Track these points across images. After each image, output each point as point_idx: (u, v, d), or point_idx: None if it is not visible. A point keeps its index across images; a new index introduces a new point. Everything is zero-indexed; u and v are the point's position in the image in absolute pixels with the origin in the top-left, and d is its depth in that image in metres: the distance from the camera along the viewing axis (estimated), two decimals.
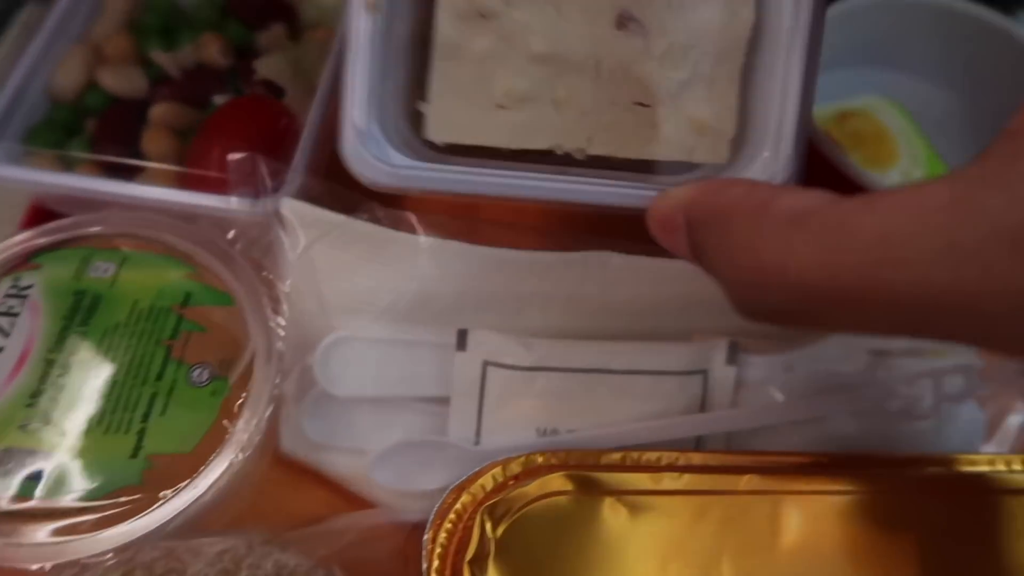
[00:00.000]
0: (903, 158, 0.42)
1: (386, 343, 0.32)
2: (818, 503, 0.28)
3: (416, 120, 0.25)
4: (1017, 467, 0.30)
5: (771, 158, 0.23)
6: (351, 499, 0.34)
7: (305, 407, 0.33)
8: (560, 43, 0.24)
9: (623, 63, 0.24)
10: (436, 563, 0.26)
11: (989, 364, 0.33)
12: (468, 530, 0.27)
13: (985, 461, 0.30)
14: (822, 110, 0.43)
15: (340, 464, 0.34)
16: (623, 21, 0.25)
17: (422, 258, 0.31)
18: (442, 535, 0.28)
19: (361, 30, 0.23)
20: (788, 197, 0.17)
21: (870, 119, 0.43)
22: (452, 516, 0.28)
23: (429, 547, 0.27)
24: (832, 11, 0.41)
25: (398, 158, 0.24)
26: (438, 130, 0.24)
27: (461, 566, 0.26)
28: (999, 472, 0.29)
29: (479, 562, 0.26)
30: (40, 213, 0.36)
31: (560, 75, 0.24)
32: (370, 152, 0.24)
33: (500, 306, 0.32)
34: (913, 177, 0.41)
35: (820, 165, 0.36)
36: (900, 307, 0.15)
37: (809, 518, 0.28)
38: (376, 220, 0.32)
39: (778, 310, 0.18)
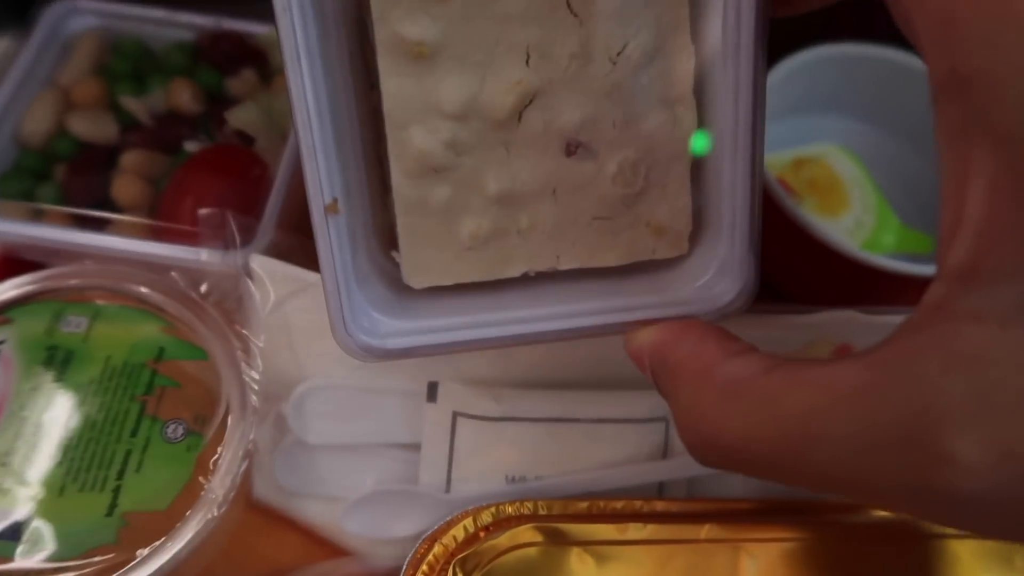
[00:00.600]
0: (855, 205, 0.44)
1: (358, 391, 0.32)
2: (774, 550, 0.29)
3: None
4: None
5: (728, 253, 0.24)
6: (324, 545, 0.34)
7: (278, 456, 0.33)
8: (515, 180, 0.25)
9: (578, 186, 0.25)
10: None
11: None
12: None
13: None
14: (779, 157, 0.45)
15: (313, 511, 0.34)
16: (572, 149, 0.26)
17: None
18: None
19: (328, 232, 0.23)
20: (727, 365, 0.19)
21: (824, 167, 0.45)
22: (424, 567, 0.29)
23: None
24: (789, 63, 0.43)
25: (385, 324, 0.25)
26: (413, 277, 0.25)
27: None
28: None
29: None
30: (10, 263, 0.36)
31: (520, 208, 0.25)
32: (359, 329, 0.24)
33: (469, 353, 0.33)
34: (865, 223, 0.43)
35: (774, 214, 0.38)
36: (820, 477, 0.17)
37: (766, 565, 0.29)
38: None
39: (720, 463, 0.19)
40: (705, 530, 0.30)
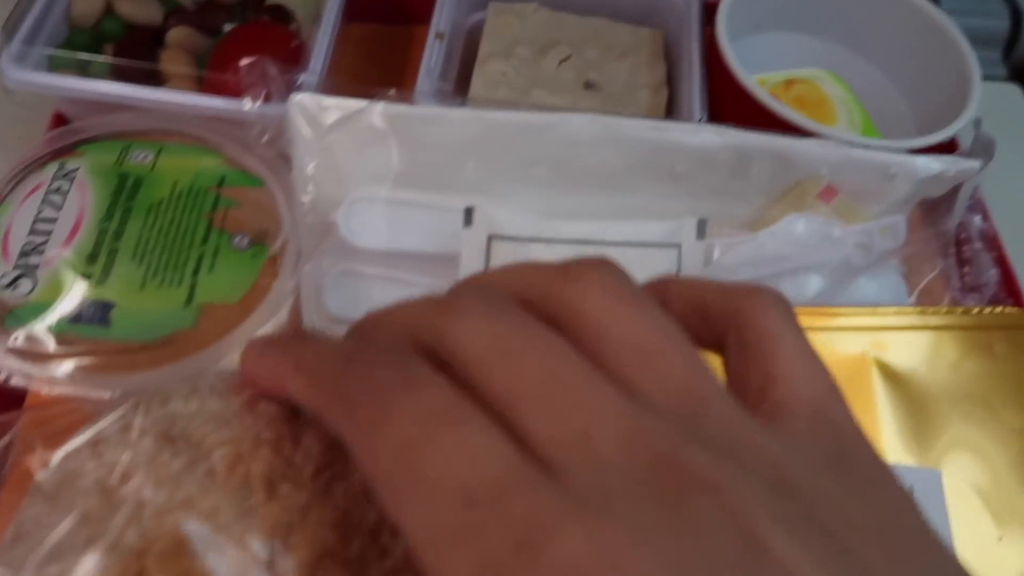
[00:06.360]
0: (841, 121, 0.47)
1: (403, 205, 0.35)
2: None
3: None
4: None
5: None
6: None
7: (326, 284, 0.36)
8: (548, 100, 0.44)
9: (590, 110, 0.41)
10: None
11: (911, 224, 0.39)
12: None
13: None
14: (771, 77, 0.48)
15: None
16: (588, 85, 0.45)
17: (432, 128, 0.35)
18: None
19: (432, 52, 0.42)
20: None
21: (814, 87, 0.48)
22: None
23: None
24: None
25: None
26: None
27: None
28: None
29: None
30: (63, 124, 0.39)
31: None
32: None
33: (502, 170, 0.36)
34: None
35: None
36: None
37: None
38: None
39: None
40: None
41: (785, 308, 0.18)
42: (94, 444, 0.20)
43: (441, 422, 0.15)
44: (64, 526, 0.19)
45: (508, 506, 0.13)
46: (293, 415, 0.20)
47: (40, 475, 0.21)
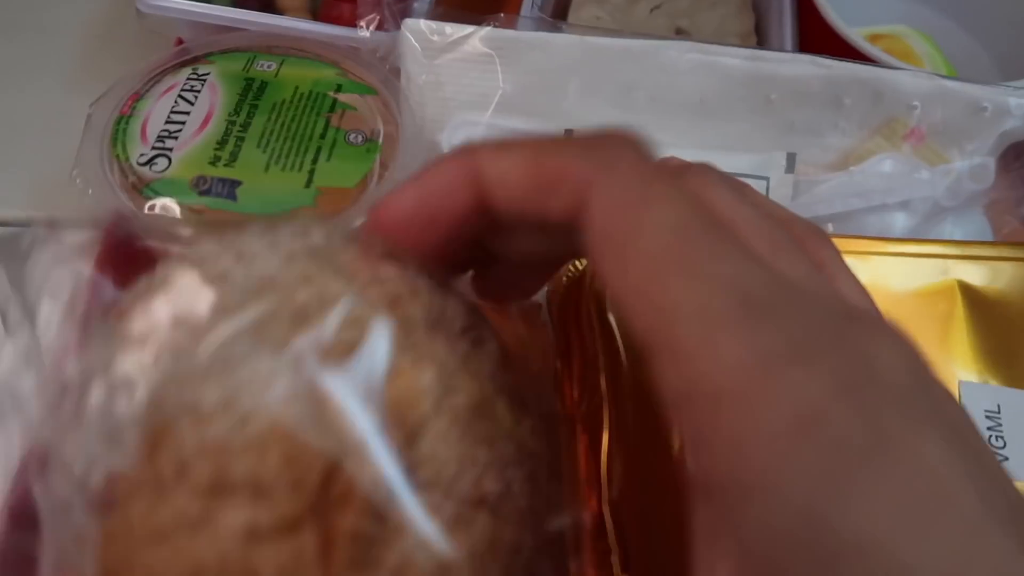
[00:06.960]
0: None
1: (503, 131, 0.37)
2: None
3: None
4: None
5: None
6: None
7: None
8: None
9: None
10: None
11: (998, 171, 0.39)
12: None
13: None
14: (856, 32, 0.49)
15: None
16: (679, 32, 0.46)
17: (536, 53, 0.37)
18: None
19: None
20: None
21: (900, 42, 0.49)
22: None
23: None
24: None
25: None
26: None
27: None
28: None
29: None
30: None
31: None
32: None
33: (601, 95, 0.38)
34: None
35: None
36: None
37: None
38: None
39: None
40: None
41: (836, 247, 0.19)
42: (238, 256, 0.18)
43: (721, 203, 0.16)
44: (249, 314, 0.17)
45: (790, 312, 0.14)
46: (429, 273, 0.19)
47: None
